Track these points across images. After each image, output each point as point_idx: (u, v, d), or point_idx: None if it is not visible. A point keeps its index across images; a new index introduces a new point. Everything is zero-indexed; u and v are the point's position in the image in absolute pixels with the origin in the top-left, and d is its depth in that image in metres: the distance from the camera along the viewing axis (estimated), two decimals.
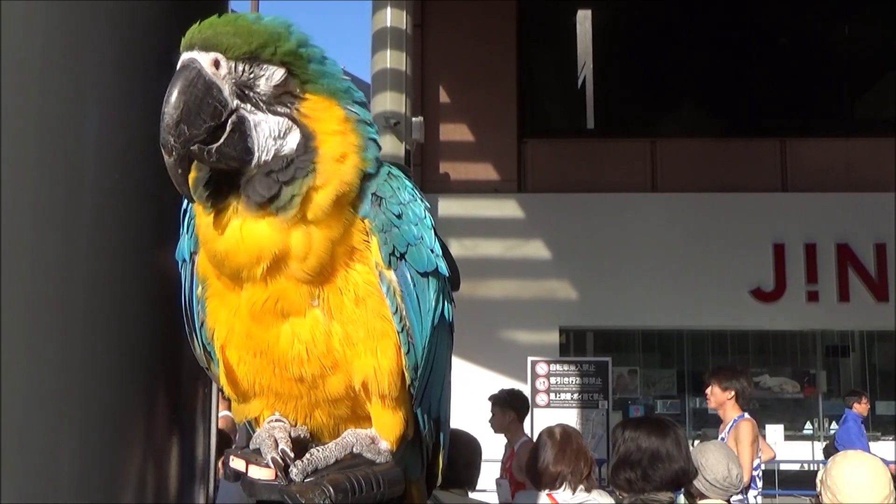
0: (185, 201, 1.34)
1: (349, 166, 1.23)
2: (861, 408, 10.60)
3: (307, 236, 1.20)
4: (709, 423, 13.11)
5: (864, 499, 3.10)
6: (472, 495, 4.17)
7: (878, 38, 13.46)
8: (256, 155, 1.20)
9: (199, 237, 1.26)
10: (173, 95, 1.15)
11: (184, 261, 1.36)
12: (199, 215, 1.24)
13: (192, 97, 1.16)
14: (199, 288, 1.33)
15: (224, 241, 1.20)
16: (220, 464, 2.32)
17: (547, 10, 13.60)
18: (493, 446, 10.45)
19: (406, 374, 1.29)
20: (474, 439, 3.76)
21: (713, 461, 3.63)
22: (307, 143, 1.21)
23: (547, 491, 3.84)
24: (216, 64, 1.18)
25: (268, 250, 1.19)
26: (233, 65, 1.18)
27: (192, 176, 1.26)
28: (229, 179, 1.20)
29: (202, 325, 1.35)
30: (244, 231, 1.19)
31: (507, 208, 12.67)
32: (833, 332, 13.25)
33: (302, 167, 1.19)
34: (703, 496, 3.66)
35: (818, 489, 3.25)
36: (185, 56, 1.18)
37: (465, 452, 3.60)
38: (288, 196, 1.18)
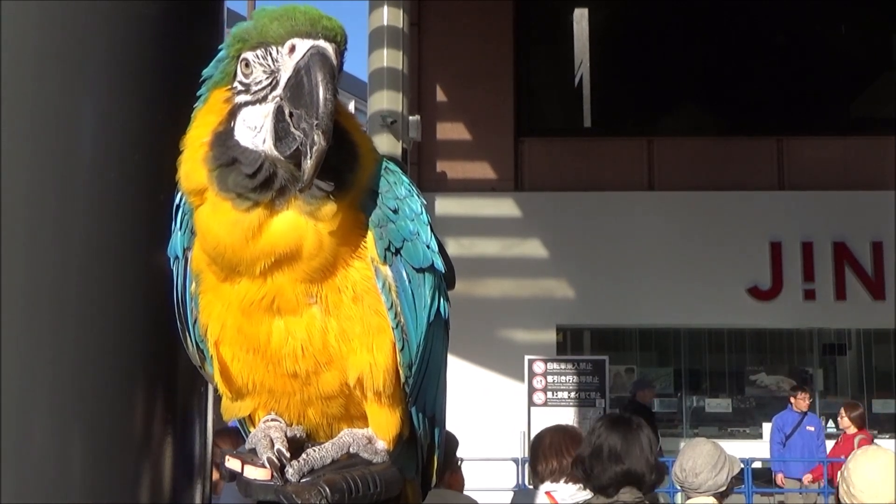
0: (178, 197, 1.31)
1: (373, 158, 1.29)
2: (797, 402, 10.92)
3: (317, 234, 1.19)
4: (705, 422, 13.14)
5: (878, 497, 3.09)
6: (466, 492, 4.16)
7: (876, 37, 13.50)
8: None
9: (200, 230, 1.24)
10: (324, 82, 1.15)
11: (176, 258, 1.34)
12: (210, 207, 1.21)
13: (335, 84, 1.17)
14: (193, 284, 1.32)
15: (232, 234, 1.18)
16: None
17: (544, 9, 13.60)
18: (492, 447, 10.50)
19: (401, 372, 1.28)
20: (451, 434, 3.73)
21: (703, 458, 3.63)
22: (342, 135, 1.22)
23: (546, 489, 3.84)
24: (335, 53, 1.20)
25: (284, 245, 1.18)
26: (339, 56, 1.21)
27: (194, 172, 1.23)
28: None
29: (195, 322, 1.33)
30: (265, 225, 1.18)
31: (504, 207, 12.66)
32: (830, 331, 13.25)
33: (350, 154, 1.23)
34: (693, 494, 3.67)
35: (838, 482, 3.26)
36: (314, 42, 1.18)
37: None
38: (351, 182, 1.21)
